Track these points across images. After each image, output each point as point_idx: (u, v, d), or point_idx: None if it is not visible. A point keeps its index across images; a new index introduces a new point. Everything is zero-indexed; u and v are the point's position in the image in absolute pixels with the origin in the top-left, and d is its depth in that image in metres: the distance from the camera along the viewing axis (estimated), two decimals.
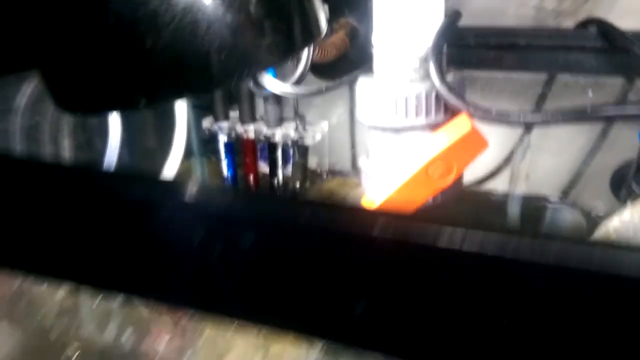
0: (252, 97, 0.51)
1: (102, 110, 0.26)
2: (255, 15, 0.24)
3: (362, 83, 0.40)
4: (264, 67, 0.25)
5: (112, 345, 0.38)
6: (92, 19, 0.22)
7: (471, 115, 0.35)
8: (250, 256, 0.14)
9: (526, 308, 0.11)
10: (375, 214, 0.14)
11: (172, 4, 0.20)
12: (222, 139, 0.52)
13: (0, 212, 0.17)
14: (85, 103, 0.25)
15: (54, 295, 0.39)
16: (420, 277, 0.12)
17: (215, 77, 0.24)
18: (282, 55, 0.26)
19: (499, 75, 0.50)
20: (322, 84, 0.46)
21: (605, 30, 0.44)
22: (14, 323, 0.40)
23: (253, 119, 0.51)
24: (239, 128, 0.51)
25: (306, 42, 0.26)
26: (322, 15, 0.27)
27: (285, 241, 0.13)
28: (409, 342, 0.14)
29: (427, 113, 0.38)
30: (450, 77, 0.38)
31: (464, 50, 0.44)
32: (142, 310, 0.36)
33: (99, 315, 0.38)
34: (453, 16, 0.39)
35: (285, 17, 0.26)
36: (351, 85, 0.50)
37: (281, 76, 0.43)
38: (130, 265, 0.16)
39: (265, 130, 0.50)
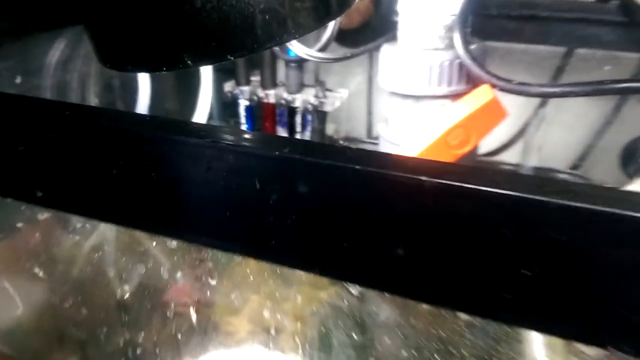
0: (274, 62, 0.52)
1: (148, 68, 0.27)
2: None
3: (386, 50, 0.41)
4: (303, 32, 0.26)
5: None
6: None
7: (493, 86, 0.37)
8: (302, 203, 0.16)
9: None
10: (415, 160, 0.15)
11: None
12: (243, 102, 0.53)
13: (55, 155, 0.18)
14: (131, 60, 0.26)
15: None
16: (462, 225, 0.14)
17: (259, 39, 0.25)
18: (320, 21, 0.26)
19: (517, 47, 0.51)
20: (343, 50, 0.47)
21: (626, 4, 0.44)
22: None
23: (274, 84, 0.52)
24: (260, 93, 0.52)
25: (342, 8, 0.26)
26: None
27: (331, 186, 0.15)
28: (436, 288, 0.15)
29: (449, 82, 0.39)
30: (473, 47, 0.39)
31: (486, 20, 0.45)
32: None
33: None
34: None
35: None
36: (371, 54, 0.51)
37: (305, 42, 0.44)
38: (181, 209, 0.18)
39: (285, 95, 0.51)
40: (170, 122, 0.17)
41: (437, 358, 0.30)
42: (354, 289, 0.33)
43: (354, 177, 0.15)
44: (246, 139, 0.16)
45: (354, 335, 0.35)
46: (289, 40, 0.32)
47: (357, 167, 0.15)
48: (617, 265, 0.13)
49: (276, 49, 0.43)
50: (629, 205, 0.12)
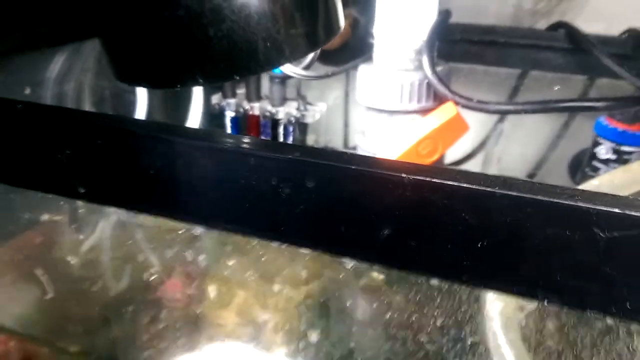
0: (258, 78, 0.56)
1: (163, 85, 0.31)
2: (292, 12, 0.29)
3: (363, 70, 0.46)
4: (298, 56, 0.31)
5: None
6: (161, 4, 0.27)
7: (456, 103, 0.42)
8: (309, 196, 0.20)
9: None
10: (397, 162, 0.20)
11: (232, 2, 0.26)
12: (229, 114, 0.57)
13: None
14: (147, 78, 0.30)
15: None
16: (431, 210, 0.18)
17: (260, 62, 0.29)
18: (310, 47, 0.31)
19: (479, 68, 0.56)
20: (324, 68, 0.51)
21: (572, 33, 0.50)
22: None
23: (259, 97, 0.56)
24: (246, 105, 0.56)
25: (330, 35, 0.31)
26: (341, 13, 0.32)
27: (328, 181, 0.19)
28: (420, 259, 0.20)
29: (419, 99, 0.44)
30: (439, 68, 0.44)
31: (451, 44, 0.50)
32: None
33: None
34: (444, 14, 0.45)
35: (315, 14, 0.31)
36: (347, 72, 0.56)
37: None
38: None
39: (269, 108, 0.56)
40: (204, 132, 0.21)
41: None
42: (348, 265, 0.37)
43: (350, 175, 0.19)
44: (264, 146, 0.20)
45: (334, 325, 0.40)
46: (285, 63, 0.37)
47: (353, 167, 0.19)
48: (543, 240, 0.17)
49: None
50: (551, 194, 0.17)
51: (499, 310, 0.30)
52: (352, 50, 0.53)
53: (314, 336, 0.39)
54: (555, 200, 0.17)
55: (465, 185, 0.18)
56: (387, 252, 0.20)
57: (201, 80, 0.29)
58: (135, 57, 0.29)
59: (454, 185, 0.18)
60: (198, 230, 0.42)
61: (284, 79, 0.53)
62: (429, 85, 0.43)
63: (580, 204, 0.17)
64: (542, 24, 0.61)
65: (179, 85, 0.33)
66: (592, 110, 0.40)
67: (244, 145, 0.20)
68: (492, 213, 0.18)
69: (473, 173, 0.19)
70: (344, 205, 0.19)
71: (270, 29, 0.28)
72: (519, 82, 0.55)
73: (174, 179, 0.21)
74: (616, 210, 0.16)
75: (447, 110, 0.42)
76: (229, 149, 0.20)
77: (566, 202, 0.17)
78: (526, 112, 0.40)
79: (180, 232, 0.44)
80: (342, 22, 0.33)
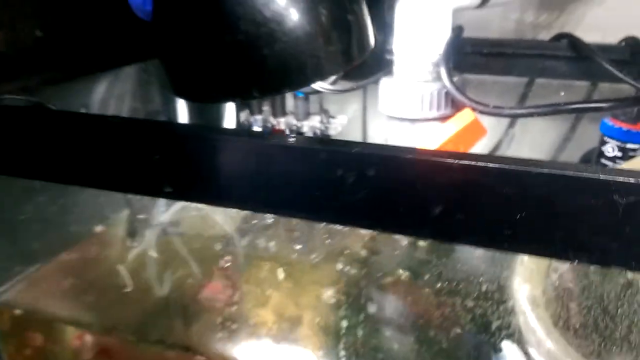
0: (283, 94, 0.60)
1: (224, 99, 0.35)
2: (331, 33, 0.33)
3: (385, 82, 0.50)
4: (336, 72, 0.35)
5: None
6: (217, 24, 0.31)
7: (473, 109, 0.46)
8: (370, 183, 0.24)
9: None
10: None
11: (284, 26, 0.30)
12: (257, 129, 0.61)
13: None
14: (206, 93, 0.34)
15: None
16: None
17: (308, 76, 0.33)
18: (348, 63, 0.35)
19: (488, 78, 0.61)
20: (343, 84, 0.56)
21: (574, 43, 0.54)
22: None
23: (284, 113, 0.61)
24: (272, 120, 0.60)
25: (363, 53, 0.35)
26: (372, 33, 0.36)
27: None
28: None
29: (438, 107, 0.48)
30: (455, 79, 0.48)
31: (463, 57, 0.55)
32: None
33: None
34: (458, 30, 0.49)
35: (350, 35, 0.36)
36: (365, 86, 0.60)
37: None
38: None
39: (294, 122, 0.60)
40: (276, 136, 0.25)
41: None
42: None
43: (408, 163, 0.23)
44: (333, 143, 0.24)
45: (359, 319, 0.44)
46: (326, 77, 0.41)
47: (410, 156, 0.23)
48: (572, 209, 0.21)
49: None
50: (578, 170, 0.21)
51: (526, 295, 0.34)
52: (370, 66, 0.57)
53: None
54: (582, 175, 0.21)
55: (505, 166, 0.21)
56: (439, 227, 0.23)
57: (256, 95, 0.33)
58: (198, 75, 0.34)
59: (495, 166, 0.22)
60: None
61: (307, 94, 0.58)
62: (447, 94, 0.47)
63: (602, 177, 0.21)
64: (543, 36, 0.66)
65: (238, 99, 0.37)
66: (598, 111, 0.44)
67: (316, 145, 0.24)
68: (528, 188, 0.21)
69: (509, 157, 0.22)
70: (401, 188, 0.23)
71: (315, 48, 0.32)
72: (527, 90, 0.59)
73: (250, 176, 0.25)
74: (631, 180, 0.20)
75: (466, 116, 0.46)
76: (302, 146, 0.24)
77: (591, 176, 0.21)
78: (538, 114, 0.43)
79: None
80: (372, 41, 0.38)
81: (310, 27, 0.32)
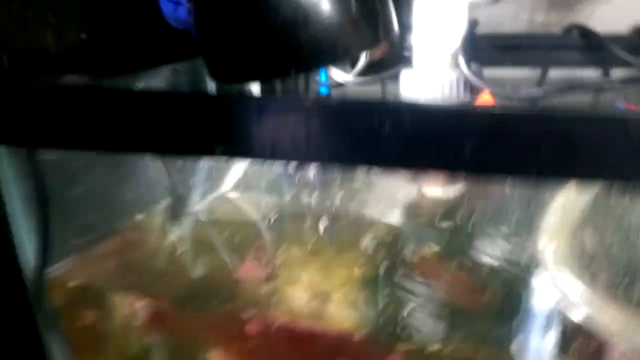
0: (307, 88, 0.63)
1: (258, 79, 0.38)
2: (361, 17, 0.37)
3: (405, 73, 0.53)
4: (362, 51, 0.38)
5: None
6: (259, 12, 0.34)
7: (491, 93, 0.48)
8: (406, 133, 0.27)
9: None
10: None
11: (318, 10, 0.33)
12: None
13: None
14: (244, 74, 0.38)
15: None
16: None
17: (339, 54, 0.36)
18: (372, 43, 0.38)
19: (502, 71, 0.63)
20: (364, 78, 0.59)
21: (585, 33, 0.57)
22: None
23: None
24: None
25: (387, 35, 0.38)
26: (395, 21, 0.40)
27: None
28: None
29: (457, 94, 0.51)
30: (472, 67, 0.51)
31: (478, 50, 0.57)
32: None
33: None
34: (473, 23, 0.52)
35: (376, 20, 0.39)
36: (384, 80, 0.63)
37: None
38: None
39: None
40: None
41: None
42: None
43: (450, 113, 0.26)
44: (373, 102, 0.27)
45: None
46: (355, 55, 0.44)
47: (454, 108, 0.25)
48: (593, 140, 0.24)
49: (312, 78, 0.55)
50: (597, 111, 0.23)
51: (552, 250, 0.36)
52: (388, 62, 0.60)
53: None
54: (600, 114, 0.23)
55: (533, 112, 0.24)
56: (476, 163, 0.26)
57: (293, 72, 0.36)
58: (241, 59, 0.37)
59: (524, 112, 0.24)
60: None
61: (330, 87, 0.61)
62: (466, 82, 0.50)
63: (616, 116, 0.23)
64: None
65: (269, 78, 0.40)
66: (612, 88, 0.46)
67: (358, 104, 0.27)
68: (553, 127, 0.24)
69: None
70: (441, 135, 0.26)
71: (345, 29, 0.35)
72: (542, 79, 0.62)
73: (299, 132, 0.28)
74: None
75: (484, 100, 0.48)
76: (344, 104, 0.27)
77: (608, 115, 0.23)
78: (554, 94, 0.46)
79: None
80: (396, 27, 0.41)
81: (342, 11, 0.35)
